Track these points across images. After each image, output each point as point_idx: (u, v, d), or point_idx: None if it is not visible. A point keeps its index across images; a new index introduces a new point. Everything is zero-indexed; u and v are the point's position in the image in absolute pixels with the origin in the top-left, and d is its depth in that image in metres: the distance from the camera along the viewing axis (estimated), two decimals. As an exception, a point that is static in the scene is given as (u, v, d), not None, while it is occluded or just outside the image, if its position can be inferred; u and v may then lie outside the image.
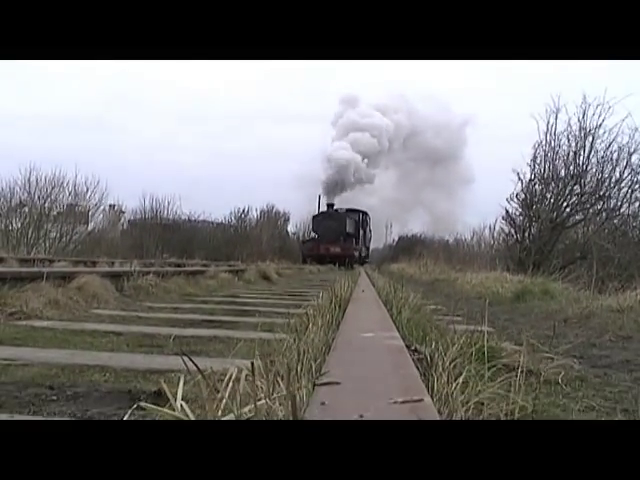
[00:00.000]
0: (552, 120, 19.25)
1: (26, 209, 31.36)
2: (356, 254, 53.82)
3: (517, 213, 20.00)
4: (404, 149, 66.15)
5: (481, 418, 2.16)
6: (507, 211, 20.78)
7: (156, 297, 8.06)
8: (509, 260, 19.01)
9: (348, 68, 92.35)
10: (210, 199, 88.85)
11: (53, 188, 31.48)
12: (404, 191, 67.69)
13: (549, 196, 19.46)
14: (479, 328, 4.69)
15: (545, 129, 19.34)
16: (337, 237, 51.87)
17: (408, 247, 56.74)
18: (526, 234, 18.97)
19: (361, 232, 58.92)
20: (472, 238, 49.54)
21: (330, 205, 56.21)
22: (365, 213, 61.42)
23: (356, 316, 3.80)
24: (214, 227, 48.92)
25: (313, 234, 55.19)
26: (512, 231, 19.98)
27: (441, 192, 65.49)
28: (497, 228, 23.32)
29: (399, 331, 3.57)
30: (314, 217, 55.57)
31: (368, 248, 67.14)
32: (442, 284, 16.98)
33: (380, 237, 78.04)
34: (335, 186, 58.34)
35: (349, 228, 54.21)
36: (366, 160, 62.11)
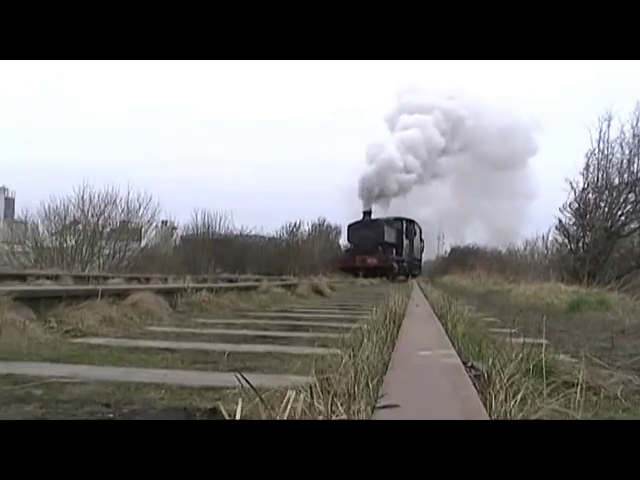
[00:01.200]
0: (604, 128, 19.12)
1: (80, 226, 31.70)
2: (396, 266, 50.45)
3: (570, 223, 19.85)
4: (461, 152, 63.11)
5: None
6: (560, 221, 20.64)
7: (209, 313, 8.08)
8: (563, 271, 18.84)
9: (403, 70, 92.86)
10: (261, 213, 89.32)
11: (106, 205, 31.73)
12: (460, 201, 65.23)
13: (603, 205, 19.29)
14: (535, 341, 4.64)
15: (597, 137, 19.22)
16: (374, 247, 48.20)
17: (461, 259, 56.34)
18: (580, 244, 18.80)
19: (405, 242, 55.33)
20: (525, 249, 49.15)
21: (367, 213, 52.55)
22: (411, 221, 57.95)
23: (411, 332, 3.77)
24: (266, 241, 48.99)
25: (348, 245, 51.49)
26: (566, 241, 19.82)
27: (500, 203, 63.26)
28: (550, 238, 23.16)
29: (455, 346, 3.53)
30: (349, 226, 51.91)
31: (419, 259, 64.59)
32: (495, 296, 16.82)
33: (432, 249, 77.45)
34: (372, 191, 54.21)
35: (388, 237, 50.65)
36: (418, 164, 58.38)
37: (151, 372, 3.68)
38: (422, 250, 67.16)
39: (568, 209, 19.85)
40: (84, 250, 30.01)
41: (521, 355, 3.21)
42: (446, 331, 4.24)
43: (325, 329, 6.75)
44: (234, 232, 48.68)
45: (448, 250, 74.48)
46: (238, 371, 3.83)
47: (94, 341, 4.93)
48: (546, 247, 25.81)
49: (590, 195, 19.42)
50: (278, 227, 51.84)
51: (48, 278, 11.49)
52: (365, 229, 49.22)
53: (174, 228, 55.69)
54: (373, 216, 53.36)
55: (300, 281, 16.03)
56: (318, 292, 15.46)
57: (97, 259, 30.21)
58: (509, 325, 7.30)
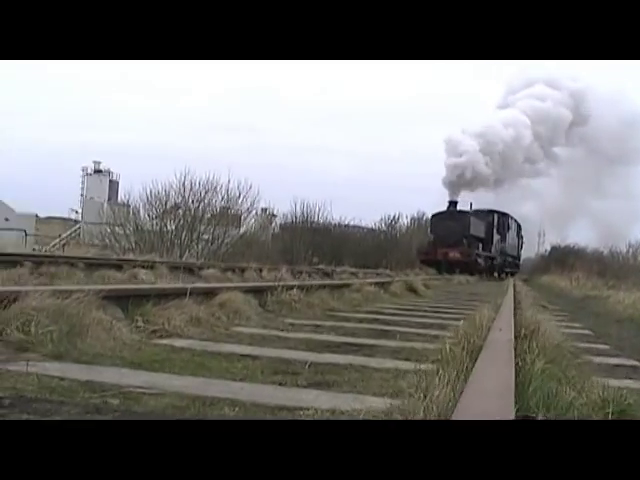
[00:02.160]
0: None
1: (180, 211, 32.15)
2: (482, 262, 47.03)
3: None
4: (569, 145, 59.37)
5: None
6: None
7: (298, 313, 8.08)
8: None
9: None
10: (360, 203, 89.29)
11: (207, 192, 32.08)
12: (567, 197, 62.51)
13: None
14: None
15: None
16: (457, 240, 44.72)
17: (561, 258, 55.43)
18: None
19: (496, 237, 51.85)
20: (628, 251, 47.95)
21: (452, 203, 48.69)
22: (504, 215, 54.27)
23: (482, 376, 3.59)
24: (364, 233, 48.74)
25: (431, 237, 47.49)
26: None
27: (612, 201, 60.16)
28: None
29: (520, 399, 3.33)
30: (433, 216, 48.93)
31: (515, 257, 61.84)
32: (592, 302, 16.49)
33: (532, 246, 76.06)
34: (461, 177, 49.85)
35: (475, 230, 47.00)
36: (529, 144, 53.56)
37: (229, 384, 3.68)
38: (520, 247, 64.51)
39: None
40: (183, 235, 30.32)
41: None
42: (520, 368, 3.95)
43: (412, 337, 6.69)
44: (332, 222, 48.87)
45: (548, 249, 73.47)
46: (317, 386, 3.83)
47: (178, 343, 4.97)
48: None
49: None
50: (377, 219, 51.76)
51: (143, 267, 11.65)
52: (449, 220, 46.08)
53: (273, 215, 56.23)
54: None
55: (394, 279, 15.91)
56: (412, 290, 15.36)
57: (196, 245, 30.52)
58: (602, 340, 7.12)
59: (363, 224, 51.30)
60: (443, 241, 44.36)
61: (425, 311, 10.52)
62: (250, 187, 33.45)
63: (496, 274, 52.03)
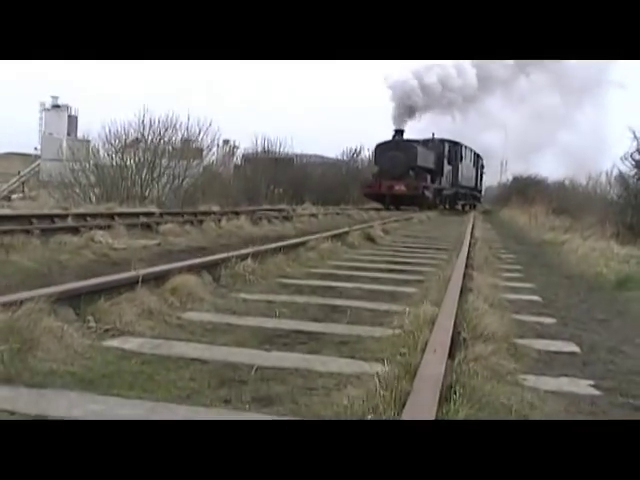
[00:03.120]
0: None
1: (141, 146, 32.00)
2: (430, 195, 44.21)
3: (631, 174, 19.52)
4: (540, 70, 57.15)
5: None
6: (620, 172, 20.35)
7: (252, 285, 8.19)
8: (619, 224, 18.53)
9: None
10: (322, 138, 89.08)
11: (166, 129, 31.94)
12: (532, 127, 61.61)
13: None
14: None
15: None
16: (403, 172, 42.05)
17: (522, 189, 55.76)
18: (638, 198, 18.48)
19: (447, 168, 49.03)
20: (588, 183, 48.44)
21: (398, 132, 45.34)
22: (456, 144, 51.35)
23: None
24: (326, 167, 48.38)
25: (375, 169, 44.69)
26: (624, 193, 19.53)
27: (579, 133, 59.31)
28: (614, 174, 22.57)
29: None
30: (376, 147, 45.30)
31: (473, 188, 59.96)
32: (548, 249, 16.76)
33: (496, 174, 76.27)
34: (405, 107, 47.10)
35: (423, 161, 44.01)
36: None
37: (173, 410, 3.79)
38: (480, 178, 62.97)
39: (630, 159, 19.51)
40: (144, 174, 30.14)
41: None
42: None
43: (362, 315, 6.85)
44: (294, 154, 48.78)
45: (510, 178, 73.89)
46: (260, 402, 3.98)
47: (129, 345, 5.07)
48: (609, 184, 25.24)
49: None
50: (339, 153, 51.75)
51: (101, 228, 11.70)
52: (394, 150, 42.92)
53: (235, 147, 55.99)
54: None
55: (352, 228, 15.96)
56: (370, 239, 15.48)
57: (157, 184, 30.39)
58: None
59: (324, 156, 51.33)
60: (388, 173, 42.13)
61: (380, 270, 10.66)
62: (210, 123, 33.40)
63: (459, 207, 52.20)
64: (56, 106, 62.64)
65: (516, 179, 67.34)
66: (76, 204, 25.27)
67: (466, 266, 9.75)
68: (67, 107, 62.78)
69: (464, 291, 7.31)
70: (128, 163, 30.58)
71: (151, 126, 31.37)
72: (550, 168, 64.43)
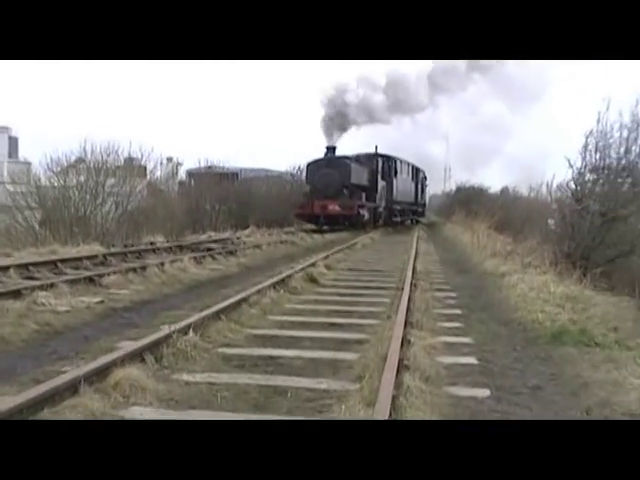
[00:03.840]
0: (604, 109, 18.88)
1: (84, 165, 32.08)
2: (366, 214, 41.48)
3: (567, 203, 19.93)
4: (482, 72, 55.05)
5: None
6: (557, 200, 20.80)
7: (194, 362, 8.28)
8: (557, 252, 18.90)
9: None
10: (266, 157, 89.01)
11: (109, 155, 32.05)
12: (475, 135, 61.26)
13: (599, 188, 19.29)
14: None
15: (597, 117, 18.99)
16: (337, 191, 39.95)
17: (465, 200, 56.44)
18: (575, 228, 18.85)
19: (381, 184, 46.56)
20: (529, 194, 48.81)
21: (330, 149, 42.82)
22: (389, 158, 48.84)
23: None
24: (270, 184, 48.04)
25: (307, 188, 42.44)
26: (562, 224, 19.93)
27: (522, 140, 58.88)
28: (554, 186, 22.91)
29: None
30: (308, 165, 42.94)
31: (414, 203, 58.30)
32: (489, 283, 17.02)
33: (440, 182, 76.67)
34: (335, 121, 44.91)
35: (356, 178, 41.64)
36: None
37: None
38: (421, 191, 61.29)
39: (566, 188, 19.96)
40: (87, 201, 30.01)
41: None
42: None
43: (304, 395, 7.00)
44: (237, 168, 48.89)
45: (454, 188, 74.75)
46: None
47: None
48: (550, 195, 25.62)
49: (587, 176, 19.43)
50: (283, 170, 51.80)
51: (43, 288, 11.71)
52: (326, 168, 40.66)
53: (179, 164, 55.89)
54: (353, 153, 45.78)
55: (295, 269, 16.08)
56: (313, 281, 15.62)
57: (99, 210, 30.35)
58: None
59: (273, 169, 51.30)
60: (321, 192, 39.89)
61: (321, 327, 10.78)
62: (152, 149, 33.82)
63: (399, 222, 50.81)
64: (-5, 127, 62.20)
65: (459, 189, 68.24)
66: (17, 241, 25.19)
67: (405, 324, 9.91)
68: (6, 128, 62.22)
69: (400, 370, 7.45)
70: (70, 185, 30.37)
71: (93, 152, 31.40)
72: (497, 177, 64.86)
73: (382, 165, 47.03)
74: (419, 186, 59.84)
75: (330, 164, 40.86)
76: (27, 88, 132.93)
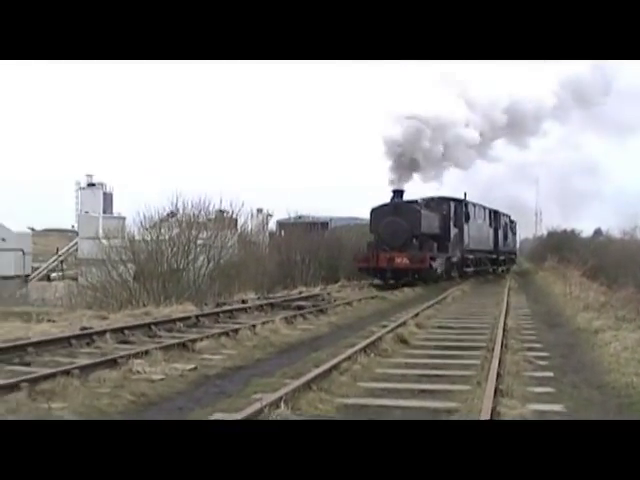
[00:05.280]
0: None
1: (176, 219, 32.88)
2: (437, 265, 36.56)
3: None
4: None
5: None
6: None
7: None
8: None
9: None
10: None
11: (200, 211, 32.79)
12: (572, 175, 58.14)
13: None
14: None
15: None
16: (406, 241, 35.09)
17: (557, 245, 55.79)
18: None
19: (453, 231, 40.96)
20: (624, 237, 47.62)
21: (397, 193, 36.70)
22: (460, 201, 42.86)
23: None
24: (359, 231, 47.40)
25: (371, 237, 37.67)
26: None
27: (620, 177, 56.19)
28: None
29: None
30: (372, 211, 37.34)
31: (493, 251, 51.16)
32: (582, 340, 16.78)
33: (530, 226, 75.54)
34: (404, 162, 37.76)
35: (426, 227, 36.65)
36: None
37: None
38: (501, 237, 53.75)
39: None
40: (179, 258, 30.60)
41: None
42: None
43: None
44: (327, 217, 49.30)
45: (545, 232, 73.99)
46: None
47: None
48: None
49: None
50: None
51: (138, 356, 12.00)
52: (393, 215, 35.52)
53: (269, 215, 56.79)
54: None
55: (383, 331, 16.08)
56: (403, 341, 15.61)
57: (192, 266, 30.94)
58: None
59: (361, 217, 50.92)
60: (387, 243, 35.25)
61: (410, 394, 10.79)
62: (243, 204, 34.46)
63: (471, 272, 44.56)
64: (91, 184, 64.11)
65: (550, 234, 67.52)
66: (112, 297, 25.86)
67: (495, 392, 9.85)
68: (102, 185, 64.19)
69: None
70: (162, 239, 31.04)
71: (184, 209, 32.11)
72: (592, 219, 63.09)
73: (455, 209, 41.63)
74: (500, 232, 53.10)
75: (397, 211, 35.72)
76: (120, 147, 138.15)
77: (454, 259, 40.53)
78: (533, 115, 45.64)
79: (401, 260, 34.26)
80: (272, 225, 54.35)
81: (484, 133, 42.90)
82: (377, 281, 34.86)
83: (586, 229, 61.96)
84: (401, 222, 35.01)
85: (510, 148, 50.96)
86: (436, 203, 40.45)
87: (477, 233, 45.60)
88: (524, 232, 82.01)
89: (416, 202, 37.95)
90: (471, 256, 44.32)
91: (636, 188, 56.82)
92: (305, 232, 41.57)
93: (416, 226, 35.34)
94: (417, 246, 35.19)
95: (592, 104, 47.48)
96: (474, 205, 45.28)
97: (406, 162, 37.52)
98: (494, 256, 51.48)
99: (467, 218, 42.86)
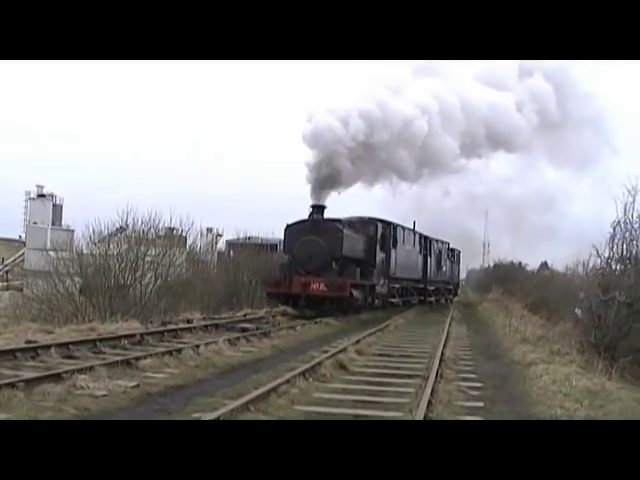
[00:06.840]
0: (629, 200, 19.34)
1: (124, 234, 33.05)
2: (358, 294, 31.56)
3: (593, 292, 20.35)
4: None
5: None
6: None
7: None
8: (584, 342, 19.25)
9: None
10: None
11: (150, 228, 32.98)
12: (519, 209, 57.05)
13: (627, 278, 19.68)
14: None
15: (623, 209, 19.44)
16: (323, 264, 30.39)
17: (502, 277, 56.67)
18: (602, 318, 19.22)
19: (380, 256, 36.04)
20: (565, 273, 48.56)
21: (317, 208, 31.56)
22: (389, 224, 38.14)
23: None
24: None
25: (285, 259, 33.52)
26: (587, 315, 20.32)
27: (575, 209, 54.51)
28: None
29: None
30: (286, 228, 32.52)
31: (419, 280, 46.13)
32: (515, 373, 17.28)
33: (479, 256, 76.04)
34: (325, 177, 31.60)
35: (349, 249, 31.89)
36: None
37: None
38: (433, 266, 49.54)
39: (593, 278, 20.39)
40: (127, 274, 30.72)
41: None
42: None
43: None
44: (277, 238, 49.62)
45: (492, 264, 75.02)
46: None
47: None
48: (586, 274, 25.77)
49: (614, 266, 19.85)
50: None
51: (82, 371, 12.27)
52: (311, 234, 30.83)
53: (219, 235, 57.06)
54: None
55: (323, 356, 16.46)
56: (342, 367, 15.96)
57: (139, 283, 31.08)
58: None
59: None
60: (302, 266, 30.65)
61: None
62: (192, 223, 34.69)
63: (398, 303, 40.33)
64: (41, 195, 63.83)
65: (497, 266, 68.50)
66: (58, 310, 25.98)
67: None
68: (52, 196, 63.93)
69: None
70: (110, 253, 31.11)
71: (134, 223, 32.27)
72: (542, 251, 63.34)
73: (382, 232, 36.66)
74: (431, 259, 48.61)
75: (315, 229, 30.91)
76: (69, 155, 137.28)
77: (379, 288, 35.94)
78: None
79: (317, 286, 29.75)
80: (222, 245, 54.55)
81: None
82: (290, 310, 30.61)
83: (536, 262, 62.70)
84: (319, 242, 30.42)
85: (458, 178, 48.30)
86: (361, 223, 35.70)
87: (405, 260, 41.31)
88: (473, 262, 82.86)
89: (339, 221, 32.85)
90: (397, 285, 40.09)
91: (592, 223, 56.45)
92: (254, 253, 41.67)
93: (337, 248, 30.78)
94: (337, 271, 30.85)
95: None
96: (403, 229, 41.34)
97: (326, 173, 31.64)
98: (421, 285, 46.79)
99: (395, 243, 38.56)
